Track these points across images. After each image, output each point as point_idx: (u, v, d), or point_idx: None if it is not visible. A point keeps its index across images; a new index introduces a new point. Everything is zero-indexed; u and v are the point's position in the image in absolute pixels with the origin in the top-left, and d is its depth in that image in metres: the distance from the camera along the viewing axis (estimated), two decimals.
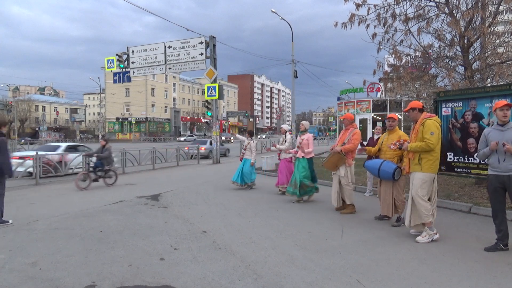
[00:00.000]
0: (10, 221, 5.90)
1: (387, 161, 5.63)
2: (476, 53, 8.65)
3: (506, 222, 4.45)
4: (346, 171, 6.55)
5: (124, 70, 19.37)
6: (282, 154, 8.74)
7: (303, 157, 7.52)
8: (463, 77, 8.47)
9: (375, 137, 8.17)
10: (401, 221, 5.71)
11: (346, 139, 6.53)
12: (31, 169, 11.10)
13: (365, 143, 8.24)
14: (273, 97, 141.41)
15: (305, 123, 8.10)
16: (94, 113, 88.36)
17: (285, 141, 8.68)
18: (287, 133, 8.80)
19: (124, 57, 19.20)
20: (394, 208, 5.79)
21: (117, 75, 19.64)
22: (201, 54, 17.47)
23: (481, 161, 5.98)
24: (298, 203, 7.51)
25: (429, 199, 4.85)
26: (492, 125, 5.88)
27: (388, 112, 22.52)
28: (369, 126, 23.89)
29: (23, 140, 46.32)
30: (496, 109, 4.38)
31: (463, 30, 8.19)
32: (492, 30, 8.19)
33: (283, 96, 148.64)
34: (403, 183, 5.78)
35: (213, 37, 17.63)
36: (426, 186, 4.80)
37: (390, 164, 5.56)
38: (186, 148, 20.41)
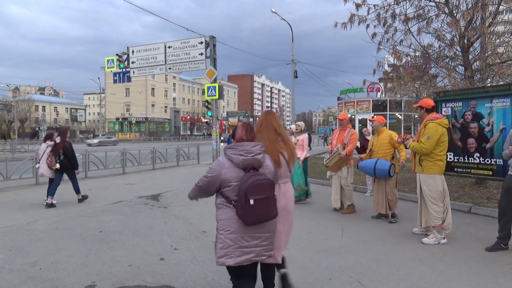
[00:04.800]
0: None
1: (380, 160, 5.75)
2: (476, 53, 8.65)
3: (510, 223, 4.43)
4: (348, 171, 6.58)
5: (124, 70, 19.33)
6: None
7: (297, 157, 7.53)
8: (463, 77, 8.46)
9: (368, 137, 8.27)
10: (396, 217, 5.86)
11: (346, 139, 6.54)
12: None
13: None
14: (273, 97, 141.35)
15: (301, 124, 8.06)
16: (94, 113, 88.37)
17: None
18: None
19: (124, 57, 19.17)
20: (388, 205, 5.86)
21: (117, 75, 19.60)
22: (201, 54, 17.44)
23: (482, 160, 6.00)
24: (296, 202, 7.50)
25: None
26: (492, 125, 5.90)
27: (388, 112, 22.55)
28: (369, 126, 23.93)
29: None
30: None
31: (463, 30, 8.18)
32: (492, 30, 8.18)
33: (283, 96, 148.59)
34: (395, 181, 5.87)
35: (213, 37, 17.61)
36: (433, 188, 4.76)
37: (384, 162, 5.69)
38: None
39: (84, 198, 7.87)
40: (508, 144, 4.46)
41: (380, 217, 6.07)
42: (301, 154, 7.47)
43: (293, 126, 9.07)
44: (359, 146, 7.68)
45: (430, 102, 4.97)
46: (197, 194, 2.79)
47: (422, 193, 4.88)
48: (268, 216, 2.58)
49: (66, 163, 7.52)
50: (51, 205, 7.33)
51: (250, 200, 2.46)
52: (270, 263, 2.93)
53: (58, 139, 7.48)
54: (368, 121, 24.37)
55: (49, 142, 7.70)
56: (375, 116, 6.43)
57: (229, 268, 2.71)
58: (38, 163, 7.88)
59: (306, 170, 7.66)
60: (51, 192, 7.44)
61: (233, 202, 2.57)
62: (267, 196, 2.55)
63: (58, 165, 7.40)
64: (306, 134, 7.95)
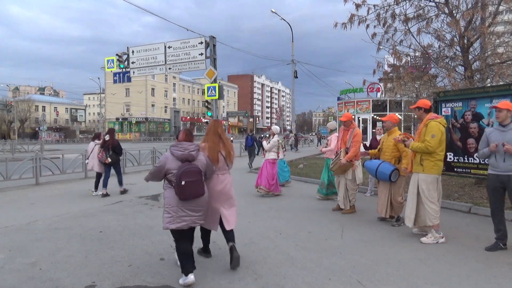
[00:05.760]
0: None
1: (385, 162, 5.63)
2: (476, 53, 8.65)
3: (504, 221, 4.45)
4: (354, 174, 6.54)
5: (124, 70, 19.32)
6: (266, 155, 8.65)
7: (327, 157, 7.67)
8: (463, 77, 8.46)
9: (378, 137, 8.13)
10: (401, 221, 5.71)
11: (348, 142, 6.45)
12: None
13: (366, 143, 8.29)
14: (273, 97, 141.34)
15: (330, 125, 8.06)
16: (94, 113, 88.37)
17: (269, 142, 8.61)
18: (275, 135, 8.75)
19: (124, 57, 19.17)
20: (390, 208, 5.79)
21: (117, 75, 19.60)
22: (201, 54, 17.44)
23: (481, 160, 5.99)
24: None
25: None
26: (492, 125, 5.89)
27: (388, 112, 22.52)
28: (369, 126, 23.90)
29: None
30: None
31: (463, 30, 8.19)
32: (492, 30, 8.19)
33: (283, 96, 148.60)
34: (402, 184, 5.75)
35: (213, 37, 17.62)
36: (431, 188, 4.77)
37: (387, 165, 5.56)
38: None
39: (125, 191, 8.72)
40: (484, 144, 4.49)
41: (384, 219, 5.99)
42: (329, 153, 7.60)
43: (274, 128, 9.05)
44: (367, 145, 7.66)
45: (427, 102, 5.01)
46: (151, 178, 3.73)
47: (418, 193, 4.87)
48: (196, 193, 3.55)
49: (115, 158, 8.58)
50: (106, 195, 8.38)
51: (182, 182, 3.43)
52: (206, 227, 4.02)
53: (107, 137, 8.51)
54: (368, 121, 24.38)
55: (97, 141, 8.90)
56: (376, 117, 6.30)
57: (172, 232, 3.65)
58: (87, 159, 9.02)
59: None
60: (104, 184, 8.55)
61: (172, 184, 3.54)
62: (196, 179, 3.51)
63: (109, 159, 8.42)
64: (336, 133, 7.96)
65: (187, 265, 3.55)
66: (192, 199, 3.54)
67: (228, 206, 4.10)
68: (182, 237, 3.63)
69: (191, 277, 3.50)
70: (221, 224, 4.04)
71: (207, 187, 3.81)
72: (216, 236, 5.15)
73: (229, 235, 4.04)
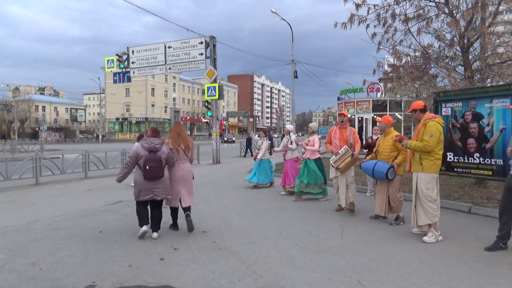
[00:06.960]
0: None
1: (381, 161, 5.70)
2: (476, 53, 8.65)
3: (510, 223, 4.44)
4: (353, 170, 6.66)
5: (124, 70, 19.31)
6: (288, 155, 8.71)
7: (308, 158, 7.71)
8: (463, 77, 8.46)
9: (374, 137, 8.20)
10: (400, 220, 5.74)
11: (350, 138, 6.56)
12: None
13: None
14: (273, 97, 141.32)
15: (313, 126, 8.15)
16: (94, 113, 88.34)
17: (291, 142, 8.66)
18: (291, 133, 8.83)
19: (124, 57, 19.16)
20: (389, 207, 5.82)
21: (117, 75, 19.59)
22: (201, 54, 17.43)
23: (482, 160, 5.99)
24: (296, 202, 7.54)
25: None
26: (492, 125, 5.90)
27: (388, 112, 22.54)
28: (370, 126, 23.91)
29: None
30: None
31: (463, 30, 8.19)
32: (492, 30, 8.19)
33: (283, 96, 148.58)
34: (398, 183, 5.79)
35: (213, 37, 17.61)
36: (431, 186, 4.81)
37: (383, 164, 5.62)
38: None
39: None
40: None
41: (377, 217, 6.04)
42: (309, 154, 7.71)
43: (289, 126, 9.18)
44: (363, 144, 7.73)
45: (420, 103, 5.13)
46: (126, 172, 5.07)
47: (417, 192, 4.89)
48: (157, 175, 4.88)
49: None
50: None
51: (147, 166, 4.80)
52: (159, 200, 5.14)
53: None
54: (368, 120, 24.36)
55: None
56: (376, 117, 6.37)
57: (138, 202, 5.02)
58: None
59: (318, 169, 7.69)
60: None
61: (141, 168, 4.88)
62: (156, 165, 4.85)
63: None
64: (317, 135, 8.04)
65: (141, 221, 5.05)
66: (154, 180, 4.87)
67: (187, 189, 5.34)
68: (142, 205, 5.05)
69: (144, 228, 4.99)
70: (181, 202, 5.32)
71: (171, 173, 5.19)
72: (216, 236, 5.17)
73: (186, 209, 5.33)
